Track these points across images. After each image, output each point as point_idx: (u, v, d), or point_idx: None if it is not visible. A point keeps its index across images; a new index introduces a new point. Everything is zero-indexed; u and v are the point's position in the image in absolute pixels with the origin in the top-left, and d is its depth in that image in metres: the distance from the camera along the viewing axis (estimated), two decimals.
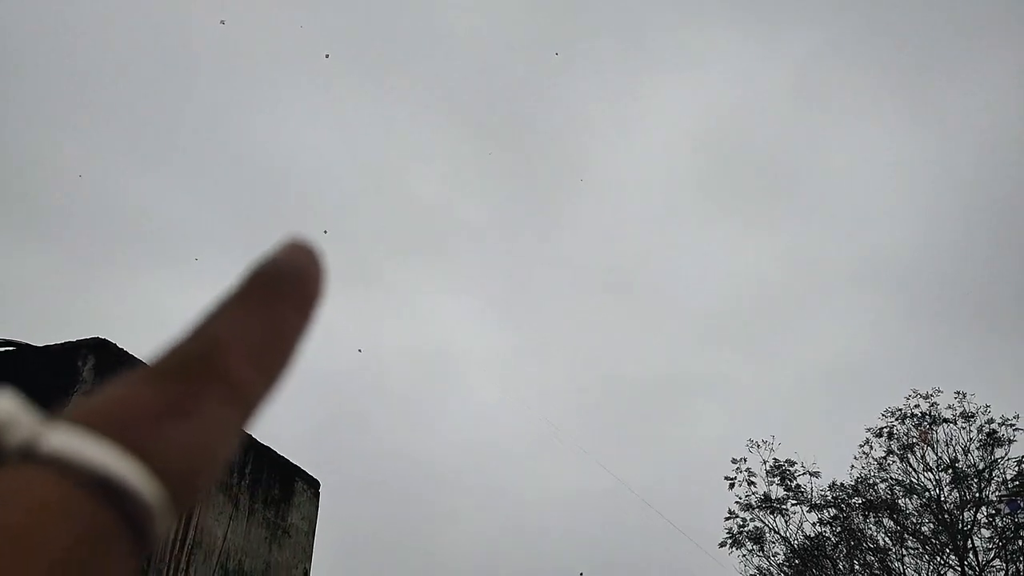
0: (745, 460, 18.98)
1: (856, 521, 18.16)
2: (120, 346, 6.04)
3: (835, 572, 18.09)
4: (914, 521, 17.76)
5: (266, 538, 7.58)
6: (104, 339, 5.92)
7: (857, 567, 18.06)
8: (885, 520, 17.86)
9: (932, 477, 17.80)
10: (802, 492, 18.44)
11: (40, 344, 6.01)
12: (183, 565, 6.05)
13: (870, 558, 17.86)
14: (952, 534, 17.08)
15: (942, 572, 17.36)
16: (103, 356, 5.73)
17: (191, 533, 6.24)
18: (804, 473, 18.55)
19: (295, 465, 8.84)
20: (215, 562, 6.57)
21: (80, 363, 5.61)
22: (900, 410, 18.58)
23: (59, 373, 5.51)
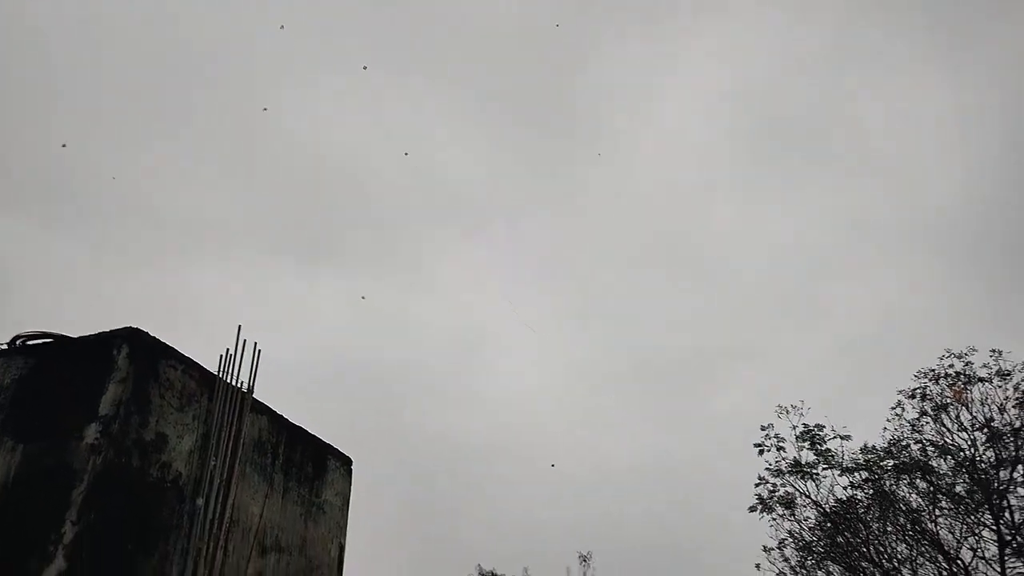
0: (773, 426, 18.97)
1: (888, 483, 18.08)
2: (152, 335, 6.24)
3: (867, 534, 18.08)
4: (948, 481, 17.63)
5: (301, 514, 7.82)
6: (137, 328, 6.12)
7: (890, 529, 18.02)
8: (918, 481, 17.76)
9: (967, 437, 17.62)
10: (833, 456, 18.39)
11: (76, 335, 6.23)
12: (221, 542, 6.30)
13: (903, 519, 17.80)
14: (987, 493, 16.93)
15: (977, 531, 17.25)
16: (136, 345, 5.93)
17: (228, 512, 6.48)
18: (835, 437, 18.48)
19: (327, 443, 9.06)
20: (252, 539, 6.81)
21: (115, 352, 5.81)
22: (933, 370, 18.36)
23: (95, 362, 5.72)
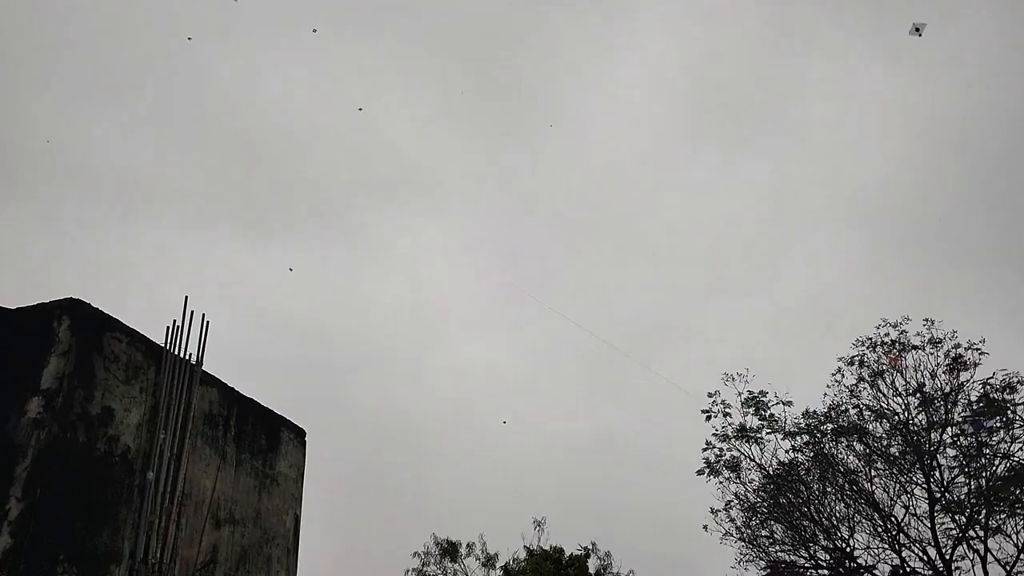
0: (719, 393, 19.50)
1: (828, 446, 18.85)
2: (95, 306, 6.04)
3: (808, 494, 18.88)
4: (883, 444, 18.48)
5: (255, 486, 7.76)
6: (78, 299, 5.92)
7: (829, 489, 18.84)
8: (856, 444, 18.56)
9: (901, 402, 18.44)
10: (776, 421, 19.06)
11: (14, 307, 5.99)
12: (174, 516, 6.22)
13: (841, 480, 18.62)
14: (919, 454, 17.82)
15: (909, 490, 18.17)
16: (78, 316, 5.74)
17: (180, 485, 6.38)
18: (778, 403, 19.12)
19: (279, 415, 8.97)
20: (205, 512, 6.74)
21: (55, 324, 5.62)
22: (871, 339, 19.08)
23: (35, 334, 5.52)
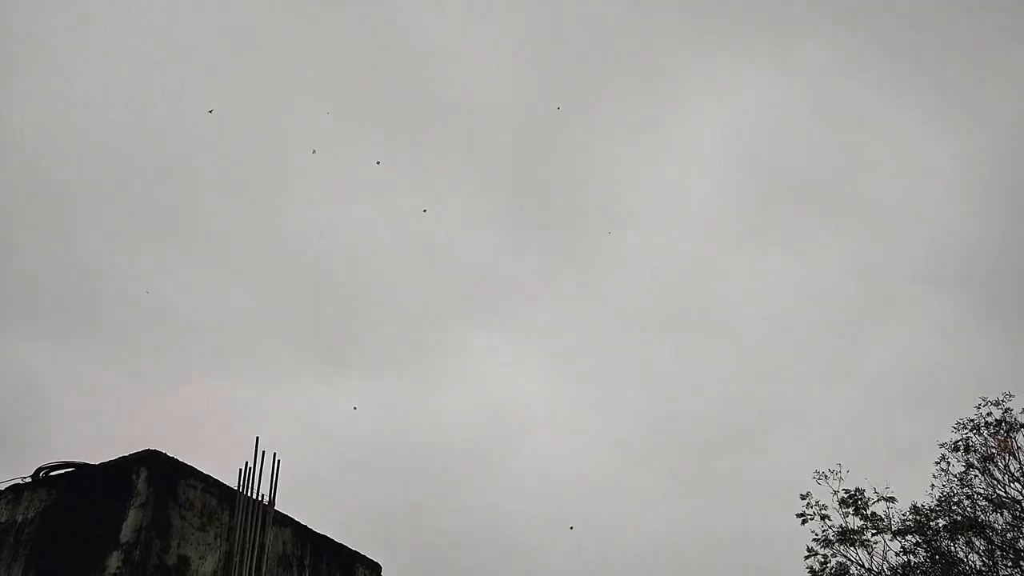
0: (811, 493, 18.31)
1: (943, 544, 17.22)
2: (171, 455, 6.29)
3: None
4: (1006, 537, 16.77)
5: None
6: (155, 451, 6.18)
7: None
8: (975, 539, 16.90)
9: (1020, 488, 16.88)
10: (880, 520, 17.63)
11: (97, 462, 6.30)
12: None
13: None
14: None
15: None
16: (155, 467, 5.98)
17: None
18: (879, 500, 17.77)
19: (353, 551, 8.89)
20: None
21: (134, 476, 5.86)
22: (972, 420, 17.80)
23: (115, 488, 5.76)
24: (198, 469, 6.48)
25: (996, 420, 17.40)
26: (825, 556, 18.07)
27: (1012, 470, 16.99)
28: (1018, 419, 17.14)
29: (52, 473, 6.33)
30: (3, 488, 6.48)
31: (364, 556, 9.01)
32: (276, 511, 7.28)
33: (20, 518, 5.96)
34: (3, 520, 6.07)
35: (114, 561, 5.34)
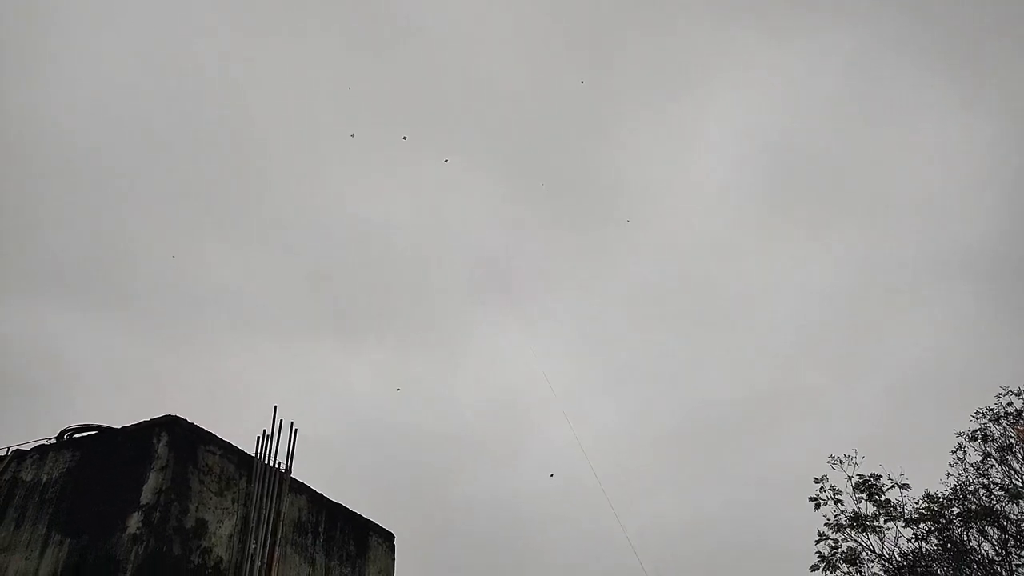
0: (827, 478, 18.23)
1: (956, 532, 17.13)
2: (191, 422, 6.42)
3: None
4: (1022, 527, 16.64)
5: None
6: (176, 416, 6.31)
7: None
8: (989, 528, 16.79)
9: None
10: (893, 507, 17.54)
11: (119, 426, 6.44)
12: None
13: (968, 572, 16.76)
14: None
15: None
16: (175, 432, 6.11)
17: None
18: (893, 486, 17.66)
19: (368, 520, 9.05)
20: None
21: (155, 440, 5.99)
22: (992, 410, 17.60)
23: (136, 451, 5.90)
24: (217, 435, 6.62)
25: (1016, 410, 17.19)
26: (836, 541, 18.04)
27: None
28: None
29: (76, 435, 6.48)
30: (29, 448, 6.67)
31: (378, 525, 9.16)
32: (292, 478, 7.42)
33: (45, 477, 6.13)
34: (29, 479, 6.25)
35: (134, 522, 5.48)
